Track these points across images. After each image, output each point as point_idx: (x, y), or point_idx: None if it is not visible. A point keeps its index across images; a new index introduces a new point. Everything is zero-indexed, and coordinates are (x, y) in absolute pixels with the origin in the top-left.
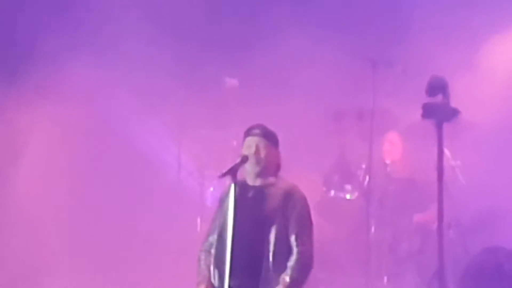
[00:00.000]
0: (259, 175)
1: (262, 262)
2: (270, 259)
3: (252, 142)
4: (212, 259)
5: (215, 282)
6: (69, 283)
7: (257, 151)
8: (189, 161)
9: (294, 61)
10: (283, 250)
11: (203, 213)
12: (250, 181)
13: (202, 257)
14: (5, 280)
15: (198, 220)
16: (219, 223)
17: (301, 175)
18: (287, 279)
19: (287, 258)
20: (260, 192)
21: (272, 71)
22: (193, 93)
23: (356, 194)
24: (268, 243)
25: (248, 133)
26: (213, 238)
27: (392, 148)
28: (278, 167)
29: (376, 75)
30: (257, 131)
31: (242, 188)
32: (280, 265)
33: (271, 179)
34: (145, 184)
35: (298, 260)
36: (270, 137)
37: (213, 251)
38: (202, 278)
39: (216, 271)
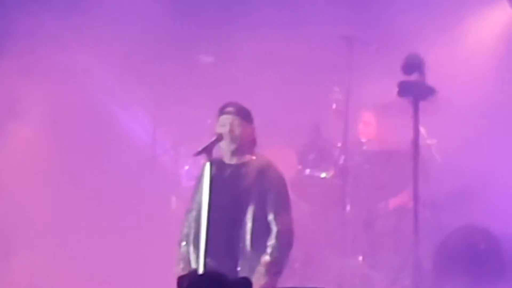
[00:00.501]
0: (234, 153)
1: (240, 241)
2: (248, 238)
3: (226, 120)
4: (191, 241)
5: (193, 262)
6: (45, 259)
7: (231, 129)
8: (164, 139)
9: (270, 39)
10: (261, 229)
11: (178, 192)
12: (227, 159)
13: (183, 242)
14: None
15: (173, 198)
16: (197, 202)
17: (276, 153)
18: (268, 258)
19: (265, 237)
20: (237, 170)
21: (248, 48)
22: (167, 71)
23: (331, 172)
24: (245, 222)
25: (222, 111)
26: (192, 216)
27: (366, 128)
28: (253, 144)
29: (351, 53)
30: (230, 109)
31: (218, 167)
32: (259, 244)
33: (247, 157)
34: (120, 161)
35: (278, 239)
36: (244, 115)
37: (192, 231)
38: (180, 257)
39: (195, 251)
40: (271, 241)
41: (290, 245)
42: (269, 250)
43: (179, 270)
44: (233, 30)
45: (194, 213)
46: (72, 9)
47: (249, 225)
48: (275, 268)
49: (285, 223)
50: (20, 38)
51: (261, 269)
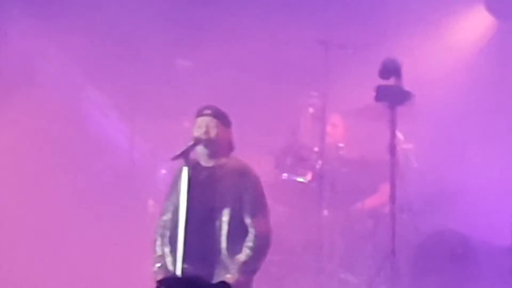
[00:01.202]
0: (210, 156)
1: (216, 245)
2: (224, 241)
3: (202, 123)
4: (166, 242)
5: (169, 264)
6: (25, 259)
7: (207, 131)
8: (141, 142)
9: (247, 42)
10: (238, 232)
11: (155, 195)
12: (203, 162)
13: (158, 242)
14: None
15: (150, 202)
16: (173, 203)
17: (253, 157)
18: (241, 258)
19: (241, 240)
20: (213, 173)
21: (225, 53)
22: (145, 75)
23: (308, 177)
24: (221, 225)
25: (198, 113)
26: (167, 217)
27: (333, 129)
28: (230, 147)
29: (328, 57)
30: (207, 111)
31: (194, 169)
32: (235, 248)
33: (224, 159)
34: (97, 165)
35: (254, 242)
36: (220, 117)
37: (167, 233)
38: (155, 261)
39: (171, 254)
40: (247, 243)
41: (266, 247)
42: (244, 249)
43: (156, 269)
44: (210, 35)
45: (169, 215)
46: (47, 8)
47: (225, 228)
48: (249, 267)
49: (263, 226)
50: None
51: (234, 266)
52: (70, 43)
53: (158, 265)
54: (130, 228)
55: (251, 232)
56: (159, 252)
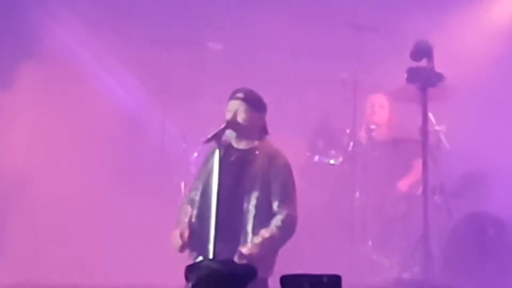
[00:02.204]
0: (239, 139)
1: (242, 227)
2: (251, 225)
3: (232, 106)
4: (194, 216)
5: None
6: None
7: (234, 115)
8: (173, 126)
9: (278, 25)
10: (265, 216)
11: (188, 179)
12: (234, 144)
13: (183, 209)
14: None
15: (182, 185)
16: (203, 181)
17: (285, 140)
18: (266, 234)
19: (268, 224)
20: (243, 156)
21: (256, 35)
22: (176, 58)
23: (340, 159)
24: (249, 208)
25: (231, 96)
26: (195, 194)
27: (381, 111)
28: (262, 131)
29: (360, 40)
30: (238, 94)
31: (226, 151)
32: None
33: (256, 143)
34: (129, 149)
35: (282, 221)
36: (251, 101)
37: (195, 209)
38: (179, 224)
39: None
40: (275, 221)
41: (291, 230)
42: (271, 227)
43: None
44: (241, 17)
45: (198, 193)
46: None
47: (252, 212)
48: (269, 244)
49: (291, 210)
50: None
51: (256, 240)
52: (102, 27)
53: (177, 230)
54: (164, 212)
55: (280, 213)
56: (183, 218)
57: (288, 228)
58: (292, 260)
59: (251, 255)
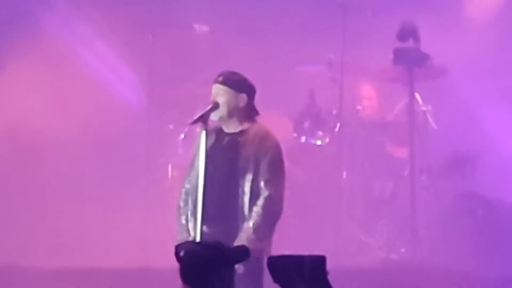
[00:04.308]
0: (225, 121)
1: (238, 211)
2: (246, 208)
3: (214, 90)
4: (189, 206)
5: (191, 229)
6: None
7: (214, 98)
8: (159, 107)
9: (265, 6)
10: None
11: (175, 160)
12: (225, 128)
13: (181, 204)
14: None
15: (169, 167)
16: (195, 169)
17: (272, 121)
18: (250, 225)
19: None
20: (234, 139)
21: (243, 16)
22: (162, 40)
23: (327, 140)
24: (243, 191)
25: (214, 80)
26: (190, 183)
27: (370, 102)
28: (249, 112)
29: (346, 20)
30: (219, 78)
31: (217, 136)
32: None
33: (246, 125)
34: (115, 130)
35: (263, 205)
36: (231, 83)
37: (189, 199)
38: (179, 228)
39: (192, 218)
40: (257, 208)
41: (277, 212)
42: (253, 216)
43: (180, 240)
44: None
45: (193, 181)
46: None
47: (248, 194)
48: (260, 234)
49: (275, 190)
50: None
51: (242, 235)
52: (90, 8)
53: (179, 237)
54: (151, 194)
55: (262, 196)
56: (182, 220)
57: (271, 209)
58: (278, 242)
59: (253, 242)
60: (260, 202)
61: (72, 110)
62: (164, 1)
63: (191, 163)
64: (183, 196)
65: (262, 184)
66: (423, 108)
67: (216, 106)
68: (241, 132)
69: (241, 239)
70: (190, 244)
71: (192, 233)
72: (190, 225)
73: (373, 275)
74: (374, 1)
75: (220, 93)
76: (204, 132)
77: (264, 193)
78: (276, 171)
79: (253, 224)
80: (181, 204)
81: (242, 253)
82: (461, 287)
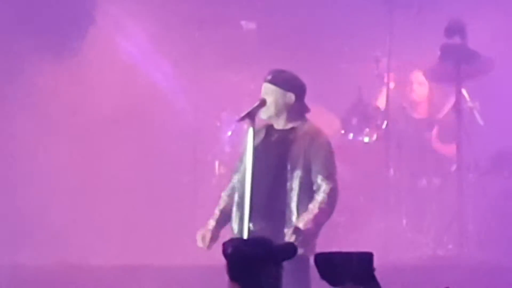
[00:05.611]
0: (275, 119)
1: (286, 207)
2: (294, 205)
3: (263, 88)
4: (234, 200)
5: (236, 224)
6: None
7: (263, 97)
8: (206, 105)
9: (311, 3)
10: (308, 195)
11: (222, 157)
12: (275, 125)
13: (221, 200)
14: None
15: (216, 164)
16: (244, 164)
17: (320, 118)
18: (316, 209)
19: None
20: (284, 136)
21: (290, 14)
22: (209, 37)
23: (374, 137)
24: (292, 188)
25: (264, 78)
26: (237, 177)
27: (420, 88)
28: (299, 110)
29: (393, 17)
30: (268, 76)
31: (267, 132)
32: (305, 210)
33: (296, 123)
34: (163, 127)
35: (328, 195)
36: (279, 81)
37: (236, 193)
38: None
39: (238, 214)
40: (320, 195)
41: (335, 206)
42: (317, 202)
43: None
44: None
45: (240, 176)
46: None
47: (296, 190)
48: (320, 218)
49: (335, 185)
50: None
51: (307, 215)
52: (133, 5)
53: (213, 223)
54: (198, 190)
55: (324, 188)
56: (226, 201)
57: (333, 202)
58: (326, 239)
59: (309, 229)
60: (325, 192)
61: (123, 109)
62: None
63: (241, 157)
64: (228, 189)
65: (319, 178)
66: (470, 105)
67: (263, 103)
68: (291, 129)
69: (304, 219)
70: (237, 241)
71: (234, 224)
72: (235, 215)
73: (420, 271)
74: None
75: (268, 92)
76: (251, 129)
77: (326, 187)
78: (332, 166)
79: (319, 207)
80: (223, 194)
81: (290, 251)
82: (509, 283)
